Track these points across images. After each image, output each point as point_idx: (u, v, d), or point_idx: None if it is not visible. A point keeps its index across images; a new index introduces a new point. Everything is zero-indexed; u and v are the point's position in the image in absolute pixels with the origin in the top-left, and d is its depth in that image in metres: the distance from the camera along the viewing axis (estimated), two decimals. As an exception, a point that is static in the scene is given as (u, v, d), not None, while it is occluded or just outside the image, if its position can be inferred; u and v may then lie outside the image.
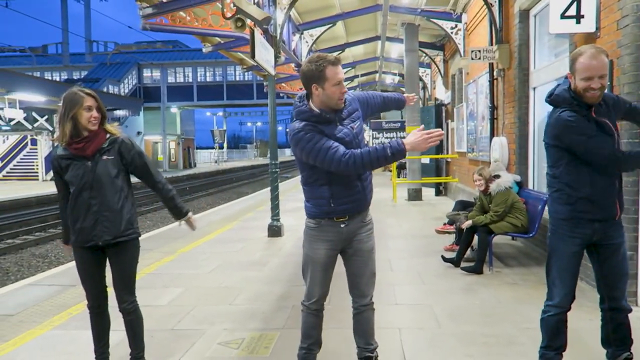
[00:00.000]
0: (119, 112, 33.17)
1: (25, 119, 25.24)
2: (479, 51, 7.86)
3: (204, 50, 10.41)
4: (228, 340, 3.64)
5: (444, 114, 13.72)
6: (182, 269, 5.83)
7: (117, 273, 2.92)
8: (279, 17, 8.33)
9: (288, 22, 10.69)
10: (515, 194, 5.73)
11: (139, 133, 38.51)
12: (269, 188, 8.47)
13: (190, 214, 3.11)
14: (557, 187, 2.70)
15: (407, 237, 7.50)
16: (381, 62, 14.71)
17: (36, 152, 27.92)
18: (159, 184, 3.00)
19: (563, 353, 2.78)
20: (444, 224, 6.93)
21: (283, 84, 17.54)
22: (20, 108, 23.72)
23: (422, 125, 2.75)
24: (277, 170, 7.94)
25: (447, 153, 13.70)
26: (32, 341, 3.70)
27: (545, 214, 3.14)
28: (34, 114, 25.66)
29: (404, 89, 15.77)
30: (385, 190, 13.49)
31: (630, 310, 2.77)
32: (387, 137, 13.68)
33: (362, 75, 20.48)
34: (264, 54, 6.99)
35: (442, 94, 14.52)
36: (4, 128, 26.07)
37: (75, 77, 40.36)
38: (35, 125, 25.98)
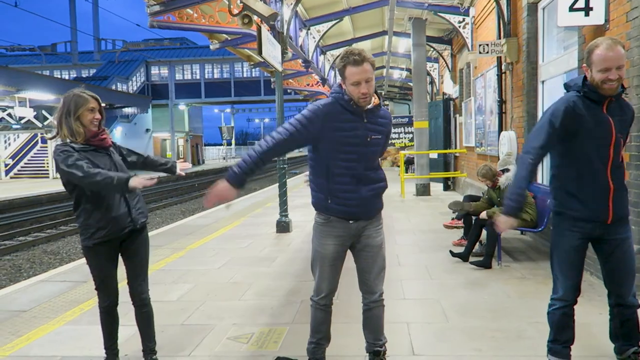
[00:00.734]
0: (128, 110, 33.36)
1: (35, 117, 25.49)
2: (487, 45, 7.81)
3: (211, 47, 10.47)
4: (237, 335, 3.67)
5: (451, 109, 13.65)
6: (191, 265, 5.87)
7: (138, 262, 2.98)
8: (285, 13, 8.33)
9: (295, 18, 10.70)
10: (524, 188, 5.69)
11: (147, 130, 38.71)
12: (277, 184, 8.50)
13: (176, 162, 3.33)
14: (551, 180, 2.72)
15: (416, 232, 7.50)
16: (388, 57, 14.65)
17: (46, 150, 28.17)
18: (148, 157, 3.24)
19: (571, 347, 2.77)
20: (452, 219, 6.91)
21: (290, 80, 17.54)
22: (30, 106, 23.98)
23: None
24: (285, 166, 7.95)
25: (456, 148, 13.66)
26: (45, 336, 3.75)
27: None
28: (44, 112, 25.90)
29: (411, 84, 15.70)
30: (394, 186, 13.40)
31: (638, 306, 2.74)
32: (394, 132, 13.65)
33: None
34: (271, 51, 6.99)
35: (450, 88, 14.45)
36: (14, 126, 26.33)
37: (84, 75, 40.68)
38: (45, 123, 26.19)
